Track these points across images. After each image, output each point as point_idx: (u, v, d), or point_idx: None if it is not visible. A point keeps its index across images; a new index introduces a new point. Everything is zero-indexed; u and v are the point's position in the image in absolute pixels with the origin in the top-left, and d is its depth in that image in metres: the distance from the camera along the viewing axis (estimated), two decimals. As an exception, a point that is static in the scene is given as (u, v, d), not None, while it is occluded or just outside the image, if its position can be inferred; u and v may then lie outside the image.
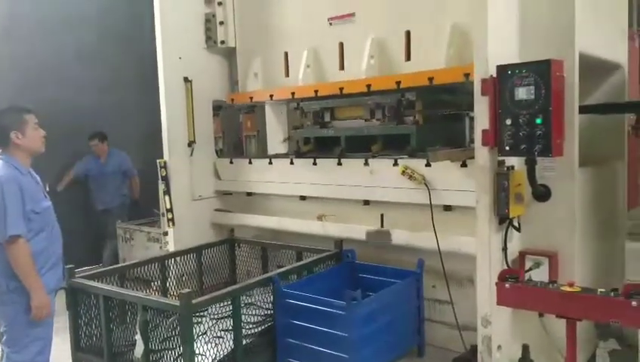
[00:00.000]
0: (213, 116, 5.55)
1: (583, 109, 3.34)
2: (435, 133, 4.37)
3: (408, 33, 4.22)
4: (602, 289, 2.39)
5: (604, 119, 3.88)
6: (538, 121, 2.71)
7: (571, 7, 3.01)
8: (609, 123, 3.95)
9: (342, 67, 4.66)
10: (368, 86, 4.33)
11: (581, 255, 3.22)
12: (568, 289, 2.43)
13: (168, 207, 5.05)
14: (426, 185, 3.94)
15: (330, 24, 4.69)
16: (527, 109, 2.74)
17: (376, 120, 4.57)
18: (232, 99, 5.49)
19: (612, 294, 2.33)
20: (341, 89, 4.51)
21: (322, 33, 4.73)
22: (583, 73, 3.14)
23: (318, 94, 4.69)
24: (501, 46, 2.97)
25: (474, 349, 3.05)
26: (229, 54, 5.57)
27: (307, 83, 4.81)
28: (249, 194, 5.32)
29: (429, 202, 3.89)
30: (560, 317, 2.51)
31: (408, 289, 3.85)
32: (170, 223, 5.09)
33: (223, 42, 5.42)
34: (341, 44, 4.64)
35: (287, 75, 5.06)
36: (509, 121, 2.80)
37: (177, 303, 3.22)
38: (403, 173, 4.06)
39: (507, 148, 2.82)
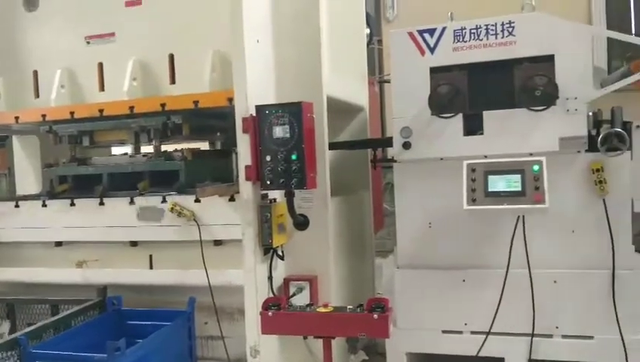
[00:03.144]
0: (-51, 153, 4.63)
1: (333, 146, 3.77)
2: (204, 169, 4.36)
3: (172, 57, 4.20)
4: (351, 307, 2.66)
5: (351, 154, 4.42)
6: (293, 157, 2.96)
7: (317, 56, 3.39)
8: (355, 157, 4.52)
9: (102, 88, 4.34)
10: (131, 108, 4.08)
11: (338, 276, 3.56)
12: (323, 309, 2.65)
13: None
14: (196, 221, 3.90)
15: (88, 43, 4.39)
16: (284, 146, 2.98)
17: (143, 155, 4.40)
18: None
19: (358, 310, 2.61)
20: (101, 111, 4.15)
21: (79, 52, 4.37)
22: (332, 114, 3.54)
23: (75, 116, 4.23)
24: (260, 87, 3.17)
25: (245, 381, 3.08)
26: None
27: (61, 104, 4.32)
28: (-11, 243, 4.53)
29: (199, 238, 3.86)
30: (317, 337, 2.71)
31: (178, 330, 3.71)
32: None
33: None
34: (100, 65, 4.36)
35: (37, 96, 4.49)
36: (268, 158, 3.01)
37: None
38: (172, 210, 3.95)
39: (268, 182, 3.02)
